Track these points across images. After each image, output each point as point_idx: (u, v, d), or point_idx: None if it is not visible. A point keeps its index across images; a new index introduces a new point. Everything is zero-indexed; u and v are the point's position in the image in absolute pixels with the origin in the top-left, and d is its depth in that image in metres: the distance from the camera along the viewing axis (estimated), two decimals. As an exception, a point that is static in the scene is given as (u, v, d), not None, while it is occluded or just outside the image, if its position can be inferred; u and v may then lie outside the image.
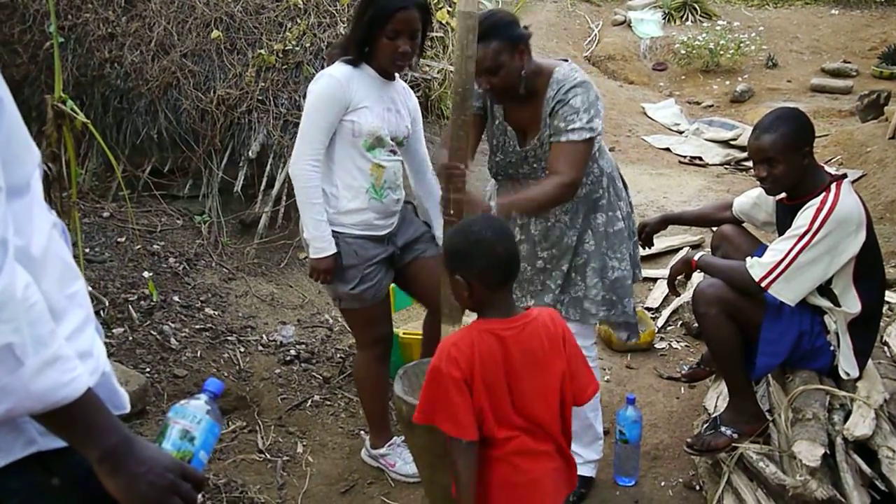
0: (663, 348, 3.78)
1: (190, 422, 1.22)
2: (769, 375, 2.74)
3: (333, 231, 2.55)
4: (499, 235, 1.74)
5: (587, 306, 2.52)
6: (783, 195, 2.61)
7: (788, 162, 2.43)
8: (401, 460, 2.78)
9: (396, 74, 2.63)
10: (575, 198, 2.44)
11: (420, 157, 2.77)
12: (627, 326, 2.64)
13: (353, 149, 2.51)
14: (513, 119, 2.48)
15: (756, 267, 2.48)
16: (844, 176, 2.52)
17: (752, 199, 2.87)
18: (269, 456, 2.86)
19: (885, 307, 3.17)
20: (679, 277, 2.94)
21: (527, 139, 2.45)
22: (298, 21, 4.30)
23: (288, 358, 3.44)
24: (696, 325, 3.66)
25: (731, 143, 7.30)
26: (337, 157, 2.53)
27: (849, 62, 9.26)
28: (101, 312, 3.34)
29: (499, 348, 1.71)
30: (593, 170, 2.47)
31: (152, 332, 3.35)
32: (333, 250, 2.53)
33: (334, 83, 2.45)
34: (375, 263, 2.60)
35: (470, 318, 1.86)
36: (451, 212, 2.16)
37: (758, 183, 2.64)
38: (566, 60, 2.46)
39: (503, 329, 1.73)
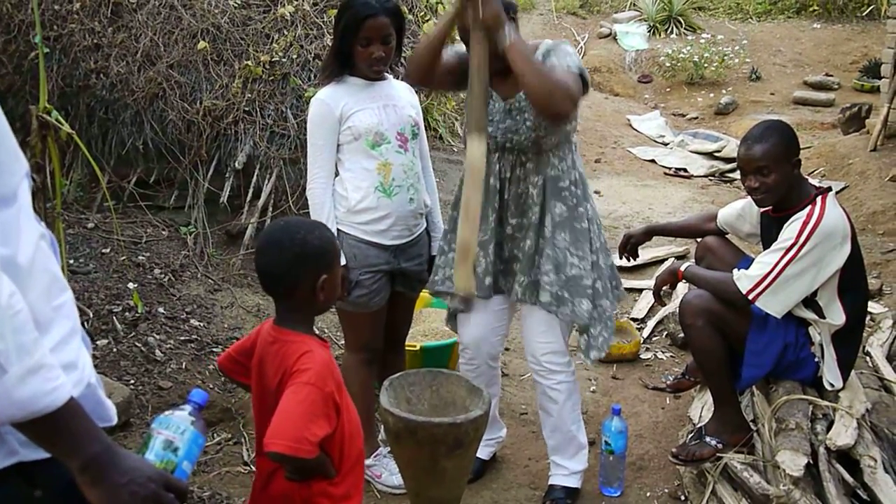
0: (648, 359, 3.79)
1: (173, 432, 1.22)
2: (753, 386, 2.76)
3: (340, 230, 2.58)
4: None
5: (539, 293, 2.50)
6: (768, 207, 2.64)
7: (781, 171, 2.46)
8: (387, 471, 2.77)
9: (390, 75, 2.69)
10: (544, 175, 2.46)
11: (422, 152, 2.78)
12: (588, 339, 2.54)
13: (359, 151, 2.56)
14: (497, 86, 2.46)
15: (743, 279, 2.50)
16: (829, 189, 2.56)
17: (736, 210, 2.90)
18: (254, 468, 2.84)
19: (867, 318, 3.21)
20: (664, 288, 2.96)
21: (510, 95, 2.46)
22: (285, 33, 4.30)
23: (274, 369, 3.42)
24: (681, 335, 3.68)
25: (716, 154, 7.37)
26: (346, 162, 2.59)
27: (831, 75, 9.37)
28: (86, 324, 3.32)
29: None
30: (567, 158, 2.49)
31: (137, 343, 3.33)
32: (340, 263, 2.54)
33: (319, 104, 2.55)
34: (373, 272, 2.60)
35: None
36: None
37: (744, 195, 2.66)
38: None
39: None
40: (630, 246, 3.07)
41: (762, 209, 2.69)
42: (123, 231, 4.12)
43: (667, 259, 4.67)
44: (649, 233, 3.11)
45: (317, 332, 3.76)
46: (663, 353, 3.85)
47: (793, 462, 2.24)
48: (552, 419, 2.65)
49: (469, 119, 2.24)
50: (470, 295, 2.30)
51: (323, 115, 2.54)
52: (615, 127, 8.11)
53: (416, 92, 2.85)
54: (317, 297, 1.68)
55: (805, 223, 2.43)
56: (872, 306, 3.72)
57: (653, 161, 7.33)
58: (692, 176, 6.96)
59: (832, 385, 2.60)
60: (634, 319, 4.15)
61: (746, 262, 2.68)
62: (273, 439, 1.55)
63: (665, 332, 4.01)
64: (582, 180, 2.56)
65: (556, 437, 2.68)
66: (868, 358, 3.06)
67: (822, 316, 2.54)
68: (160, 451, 1.19)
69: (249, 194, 4.24)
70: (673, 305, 3.87)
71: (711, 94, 9.30)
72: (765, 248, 2.63)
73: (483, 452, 2.83)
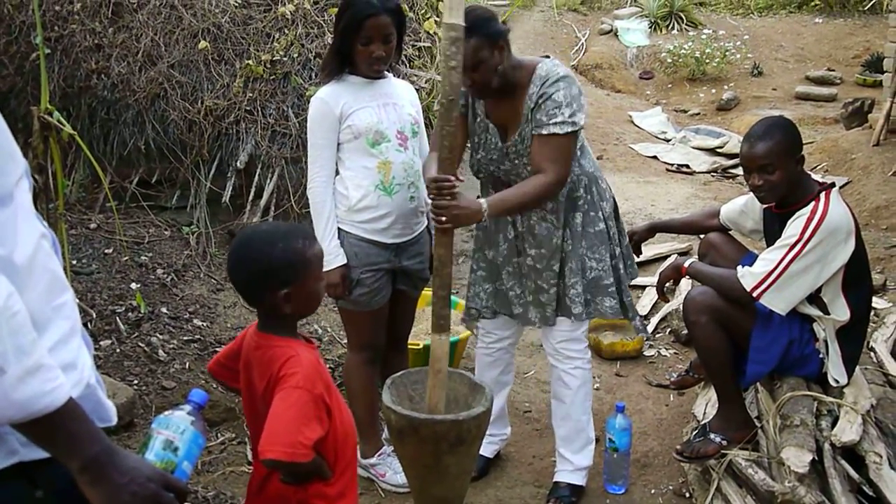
0: (652, 356, 3.79)
1: (173, 432, 1.21)
2: (757, 382, 2.75)
3: (341, 229, 2.58)
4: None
5: (567, 304, 2.54)
6: (771, 203, 2.63)
7: (785, 168, 2.45)
8: (391, 470, 2.77)
9: (390, 74, 2.69)
10: (556, 199, 2.46)
11: (422, 151, 2.77)
12: (638, 323, 2.69)
13: (359, 150, 2.55)
14: (494, 115, 2.50)
15: (747, 276, 2.49)
16: (833, 185, 2.54)
17: (739, 206, 2.89)
18: (257, 467, 2.84)
19: (872, 313, 3.19)
20: (668, 284, 2.95)
21: (508, 135, 2.47)
22: (286, 32, 4.30)
23: (277, 368, 3.42)
24: (684, 332, 3.67)
25: (718, 150, 7.35)
26: (346, 160, 2.58)
27: (833, 70, 9.34)
28: (89, 324, 3.32)
29: None
30: (573, 169, 2.48)
31: (140, 343, 3.33)
32: (341, 262, 2.55)
33: (319, 103, 2.55)
34: (374, 270, 2.60)
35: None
36: (444, 220, 2.17)
37: (746, 191, 2.65)
38: (547, 57, 2.48)
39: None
40: (633, 243, 3.05)
41: (760, 205, 2.69)
42: (126, 231, 4.12)
43: (670, 255, 4.65)
44: (652, 229, 3.10)
45: (319, 329, 3.75)
46: (667, 349, 3.84)
47: (798, 458, 2.23)
48: (564, 406, 2.65)
49: (432, 317, 2.17)
50: None
51: (323, 114, 2.54)
52: (617, 124, 8.09)
53: (417, 90, 2.85)
54: (281, 309, 1.65)
55: (809, 220, 2.42)
56: (876, 302, 3.71)
57: (655, 157, 7.32)
58: (694, 172, 6.95)
59: (837, 381, 2.59)
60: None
61: (750, 259, 2.67)
62: (268, 446, 1.53)
63: (669, 329, 4.00)
64: (594, 180, 2.55)
65: (566, 426, 2.68)
66: (872, 354, 3.05)
67: (826, 312, 2.53)
68: (160, 450, 1.19)
69: (251, 194, 4.24)
70: (676, 302, 3.87)
71: (713, 90, 9.28)
72: (768, 245, 2.62)
73: (487, 450, 2.83)
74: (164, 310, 3.60)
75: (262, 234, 1.73)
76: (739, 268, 2.54)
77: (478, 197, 2.54)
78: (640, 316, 2.71)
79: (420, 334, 3.36)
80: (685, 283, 3.98)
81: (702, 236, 3.10)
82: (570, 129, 2.34)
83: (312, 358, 1.65)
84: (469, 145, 2.61)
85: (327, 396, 1.63)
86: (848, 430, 2.39)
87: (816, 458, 2.28)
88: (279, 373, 1.61)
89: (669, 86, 9.67)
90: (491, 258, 2.65)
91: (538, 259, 2.54)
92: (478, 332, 2.85)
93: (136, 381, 3.13)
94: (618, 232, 2.63)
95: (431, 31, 4.70)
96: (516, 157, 2.45)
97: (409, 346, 3.03)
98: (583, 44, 10.28)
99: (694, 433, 2.72)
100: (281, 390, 1.58)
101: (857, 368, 2.68)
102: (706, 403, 2.94)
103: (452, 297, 3.51)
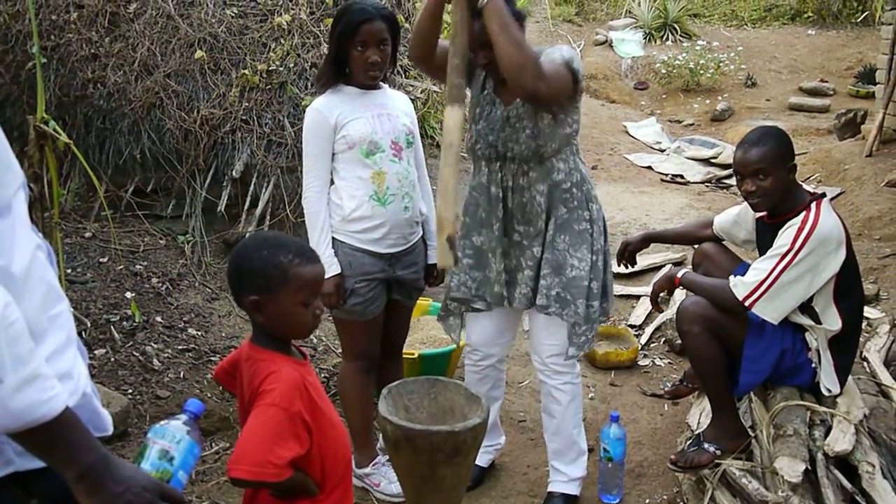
0: (646, 365, 3.80)
1: (169, 442, 1.22)
2: (751, 392, 2.76)
3: (336, 239, 2.59)
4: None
5: (536, 297, 2.52)
6: (763, 213, 2.65)
7: (777, 175, 2.47)
8: (385, 480, 2.76)
9: (385, 84, 2.70)
10: (549, 181, 2.47)
11: (418, 161, 2.79)
12: (577, 337, 2.54)
13: (353, 160, 2.56)
14: (501, 94, 2.50)
15: (739, 286, 2.51)
16: (824, 195, 2.57)
17: (732, 217, 2.91)
18: (252, 477, 2.83)
19: (864, 323, 3.21)
20: (662, 294, 2.96)
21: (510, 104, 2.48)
22: (282, 42, 4.31)
23: (271, 378, 3.42)
24: (678, 342, 3.69)
25: (712, 161, 7.40)
26: (340, 170, 2.59)
27: (826, 81, 9.41)
28: (83, 333, 3.31)
29: None
30: (569, 160, 2.51)
31: (134, 353, 3.33)
32: (335, 271, 2.56)
33: (314, 114, 2.57)
34: (368, 280, 2.61)
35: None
36: None
37: (740, 200, 2.67)
38: None
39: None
40: (628, 253, 3.07)
41: (757, 214, 2.70)
42: (121, 240, 4.11)
43: (664, 265, 4.67)
44: (647, 240, 3.11)
45: (314, 339, 3.73)
46: (661, 359, 3.86)
47: (791, 468, 2.23)
48: (555, 421, 2.65)
49: (447, 88, 2.17)
50: (447, 268, 2.26)
51: (318, 125, 2.55)
52: (612, 134, 8.14)
53: (412, 101, 2.86)
54: (253, 316, 1.65)
55: (800, 229, 2.44)
56: (869, 311, 3.73)
57: (649, 167, 7.36)
58: (689, 182, 6.99)
59: (829, 391, 2.60)
60: (632, 326, 4.15)
61: (743, 269, 2.69)
62: (234, 465, 1.52)
63: (663, 339, 4.02)
64: (584, 181, 2.56)
65: (558, 440, 2.68)
66: (865, 363, 3.06)
67: (818, 322, 2.54)
68: (156, 460, 1.20)
69: (247, 203, 4.24)
70: (671, 312, 3.88)
71: (707, 101, 9.34)
72: (761, 255, 2.63)
73: (482, 460, 2.83)
74: (158, 319, 3.60)
75: (261, 239, 1.76)
76: (732, 277, 2.56)
77: (473, 181, 2.58)
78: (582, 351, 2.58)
79: (415, 343, 3.37)
80: (679, 294, 4.00)
81: (696, 246, 3.12)
82: (567, 61, 2.35)
83: (295, 375, 1.63)
84: (469, 118, 2.58)
85: (307, 413, 1.61)
86: (841, 440, 2.40)
87: (809, 467, 2.29)
88: (259, 388, 1.60)
89: (664, 96, 9.72)
90: (479, 244, 2.61)
91: (525, 236, 2.54)
92: (465, 351, 2.84)
93: (130, 391, 3.12)
94: (602, 247, 2.59)
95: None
96: (516, 120, 2.45)
97: (405, 356, 3.03)
98: (578, 54, 10.34)
99: (688, 443, 2.72)
100: (257, 407, 1.58)
101: (850, 378, 2.69)
102: (700, 413, 2.95)
103: (435, 304, 3.53)
